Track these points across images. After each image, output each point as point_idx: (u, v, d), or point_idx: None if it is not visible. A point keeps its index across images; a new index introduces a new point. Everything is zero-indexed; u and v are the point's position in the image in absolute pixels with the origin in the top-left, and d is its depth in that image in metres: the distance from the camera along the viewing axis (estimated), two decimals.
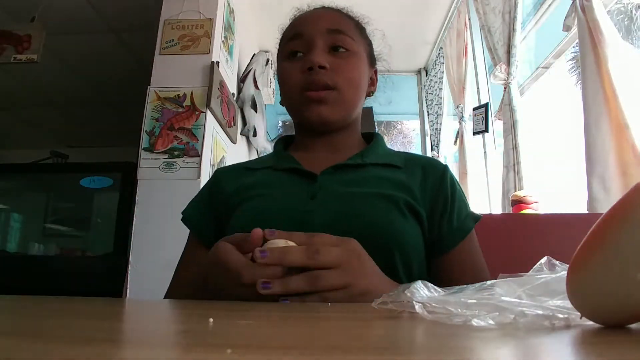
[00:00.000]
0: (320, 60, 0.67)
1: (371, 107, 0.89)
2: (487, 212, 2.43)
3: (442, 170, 0.70)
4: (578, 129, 1.61)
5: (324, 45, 0.69)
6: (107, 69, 3.32)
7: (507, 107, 2.08)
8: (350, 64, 0.70)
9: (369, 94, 0.78)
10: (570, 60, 2.23)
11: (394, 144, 5.11)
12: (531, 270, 0.32)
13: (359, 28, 0.76)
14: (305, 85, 0.68)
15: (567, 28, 1.74)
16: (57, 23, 2.62)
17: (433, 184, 0.68)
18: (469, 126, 2.71)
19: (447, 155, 3.29)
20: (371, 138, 0.79)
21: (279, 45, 0.77)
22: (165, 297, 0.67)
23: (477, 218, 0.68)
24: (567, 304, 0.22)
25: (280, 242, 0.44)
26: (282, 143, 0.80)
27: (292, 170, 0.69)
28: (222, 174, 0.76)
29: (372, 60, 0.78)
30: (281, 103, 0.76)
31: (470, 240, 0.66)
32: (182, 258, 0.71)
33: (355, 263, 0.46)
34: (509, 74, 2.09)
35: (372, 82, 0.79)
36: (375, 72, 0.80)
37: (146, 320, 0.22)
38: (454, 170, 0.85)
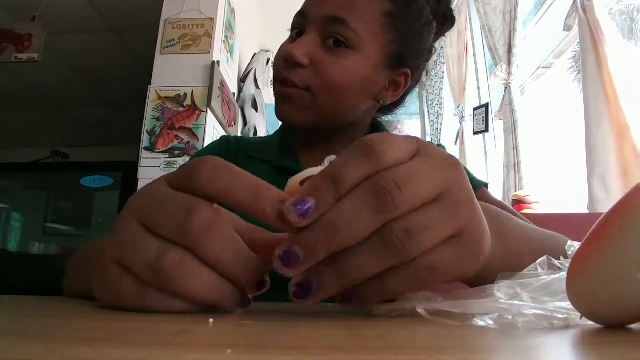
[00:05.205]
0: (298, 54, 0.55)
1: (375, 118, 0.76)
2: None
3: None
4: (578, 129, 1.61)
5: (316, 35, 0.56)
6: (107, 68, 3.33)
7: (508, 107, 2.08)
8: (338, 66, 0.55)
9: (379, 100, 0.62)
10: (570, 58, 2.23)
11: None
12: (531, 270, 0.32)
13: (390, 16, 0.57)
14: (279, 77, 0.58)
15: (567, 28, 1.74)
16: (57, 22, 2.62)
17: None
18: (469, 126, 2.71)
19: None
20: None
21: None
22: None
23: None
24: (567, 304, 0.22)
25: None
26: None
27: (291, 172, 0.63)
28: (227, 150, 0.69)
29: (395, 60, 0.60)
30: None
31: None
32: None
33: (457, 181, 0.25)
34: (509, 73, 2.09)
35: (396, 86, 0.62)
36: (406, 74, 0.62)
37: (146, 319, 0.22)
38: None
